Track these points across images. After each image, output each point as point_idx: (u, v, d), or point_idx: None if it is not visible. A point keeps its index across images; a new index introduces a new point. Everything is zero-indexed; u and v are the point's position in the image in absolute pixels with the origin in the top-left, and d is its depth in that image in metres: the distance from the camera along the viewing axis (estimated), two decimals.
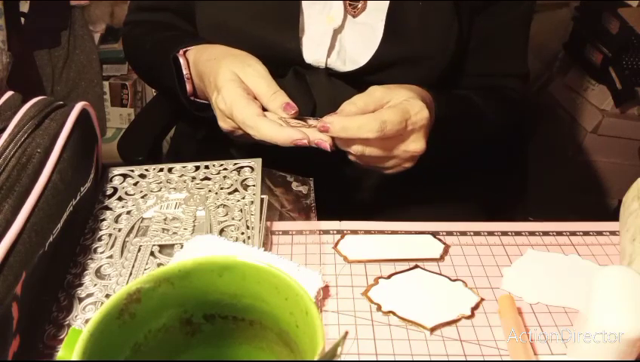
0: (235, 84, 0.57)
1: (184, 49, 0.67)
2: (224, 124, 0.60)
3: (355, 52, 0.70)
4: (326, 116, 0.57)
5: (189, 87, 0.67)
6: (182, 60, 0.66)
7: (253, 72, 0.59)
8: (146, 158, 0.86)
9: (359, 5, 0.69)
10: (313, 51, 0.69)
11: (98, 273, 0.49)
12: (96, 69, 1.76)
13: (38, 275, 0.42)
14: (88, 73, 1.75)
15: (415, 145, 0.59)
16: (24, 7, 1.59)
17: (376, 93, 0.58)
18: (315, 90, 0.70)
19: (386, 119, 0.55)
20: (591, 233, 0.58)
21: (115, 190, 0.58)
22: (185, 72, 0.66)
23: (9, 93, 0.52)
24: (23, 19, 1.59)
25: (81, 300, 0.47)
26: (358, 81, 0.70)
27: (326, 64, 0.69)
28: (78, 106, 0.52)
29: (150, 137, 0.92)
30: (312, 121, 0.58)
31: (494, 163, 1.09)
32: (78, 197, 0.50)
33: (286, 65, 0.70)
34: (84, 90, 1.75)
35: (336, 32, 0.69)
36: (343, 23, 0.69)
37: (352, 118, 0.56)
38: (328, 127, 0.55)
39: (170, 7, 0.78)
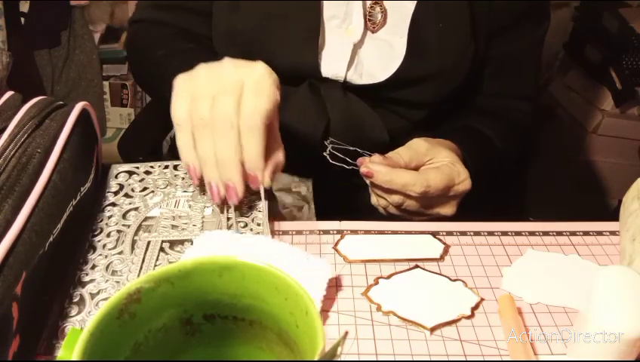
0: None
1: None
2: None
3: (372, 67, 0.70)
4: (373, 158, 0.57)
5: None
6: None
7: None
8: (146, 159, 0.85)
9: (378, 21, 0.69)
10: (332, 65, 0.69)
11: (109, 269, 0.50)
12: (96, 69, 1.77)
13: (38, 275, 0.42)
14: (88, 73, 1.75)
15: (448, 209, 0.62)
16: (24, 7, 1.59)
17: (420, 149, 0.59)
18: (329, 103, 0.70)
19: (432, 184, 0.57)
20: (591, 233, 0.58)
21: (122, 187, 0.59)
22: None
23: (9, 93, 0.52)
24: (23, 19, 1.59)
25: (93, 296, 0.47)
26: (373, 96, 0.70)
27: (345, 78, 0.70)
28: (79, 106, 0.52)
29: (150, 137, 0.92)
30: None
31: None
32: (78, 198, 0.50)
33: (301, 78, 0.70)
34: (84, 90, 1.76)
35: (356, 46, 0.69)
36: (362, 38, 0.69)
37: (398, 173, 0.57)
38: (373, 174, 0.56)
39: (189, 8, 0.75)
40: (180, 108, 0.51)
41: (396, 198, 0.59)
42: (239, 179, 0.49)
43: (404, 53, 0.68)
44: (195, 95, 0.50)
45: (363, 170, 0.57)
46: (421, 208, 0.60)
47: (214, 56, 0.62)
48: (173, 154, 0.92)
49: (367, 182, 0.60)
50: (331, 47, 0.69)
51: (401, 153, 0.59)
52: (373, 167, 0.56)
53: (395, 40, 0.69)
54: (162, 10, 0.77)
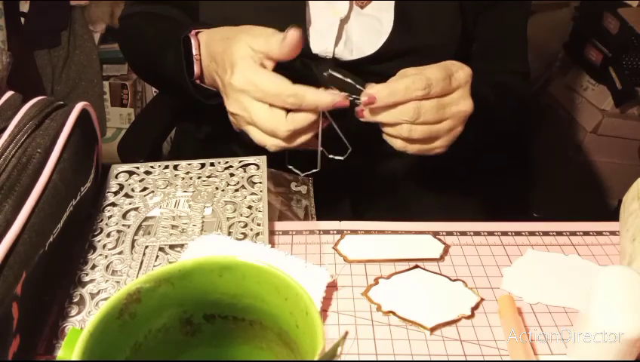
0: (252, 60, 0.53)
1: (196, 30, 0.63)
2: (235, 107, 0.55)
3: (361, 42, 0.70)
4: (368, 86, 0.54)
5: (196, 68, 0.62)
6: (193, 41, 0.61)
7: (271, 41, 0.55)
8: (146, 160, 0.86)
9: None
10: (320, 41, 0.69)
11: (109, 269, 0.50)
12: (96, 69, 1.77)
13: (38, 275, 0.42)
14: (88, 73, 1.75)
15: (464, 102, 0.56)
16: (24, 7, 1.59)
17: (408, 72, 0.56)
18: (321, 80, 0.71)
19: (430, 76, 0.53)
20: (591, 233, 0.58)
21: (122, 187, 0.59)
22: (195, 52, 0.61)
23: (9, 93, 0.52)
24: (23, 19, 1.59)
25: (93, 296, 0.47)
26: (363, 70, 0.70)
27: (333, 54, 0.70)
28: (79, 106, 0.52)
29: (150, 139, 0.92)
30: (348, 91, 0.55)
31: (497, 160, 1.09)
32: (78, 198, 0.50)
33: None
34: (84, 90, 1.76)
35: (343, 22, 0.70)
36: (349, 14, 0.70)
37: (396, 81, 0.54)
38: (375, 97, 0.52)
39: (172, 2, 0.76)
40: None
41: (405, 127, 0.55)
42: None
43: (392, 27, 0.69)
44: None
45: (363, 98, 0.53)
46: (437, 117, 0.55)
47: (209, 25, 0.63)
48: (175, 155, 0.92)
49: (373, 119, 0.55)
50: (318, 24, 0.69)
51: (389, 81, 0.56)
52: (371, 90, 0.53)
53: (383, 15, 0.70)
54: (149, 3, 0.78)
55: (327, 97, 0.52)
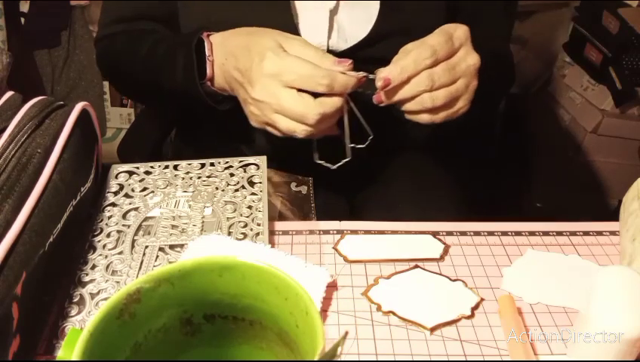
0: (281, 50, 0.55)
1: (207, 32, 0.64)
2: (263, 93, 0.55)
3: (352, 29, 0.70)
4: (377, 72, 0.56)
5: (209, 70, 0.62)
6: (206, 42, 0.62)
7: (296, 39, 0.57)
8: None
9: None
10: (313, 35, 0.69)
11: (109, 269, 0.50)
12: (96, 69, 1.76)
13: (38, 275, 0.42)
14: (88, 73, 1.75)
15: (471, 57, 0.58)
16: (24, 7, 1.59)
17: (409, 47, 0.57)
18: None
19: (432, 43, 0.55)
20: (591, 233, 0.58)
21: (122, 187, 0.59)
22: (207, 53, 0.62)
23: (9, 93, 0.52)
24: (23, 19, 1.59)
25: (93, 296, 0.47)
26: (358, 57, 0.70)
27: (328, 46, 0.70)
28: (79, 106, 0.52)
29: (150, 141, 0.92)
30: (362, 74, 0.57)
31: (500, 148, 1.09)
32: (78, 198, 0.50)
33: None
34: (84, 90, 1.75)
35: (332, 12, 0.70)
36: (337, 4, 0.70)
37: (403, 58, 0.55)
38: (389, 78, 0.54)
39: (150, 15, 0.76)
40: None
41: (427, 97, 0.56)
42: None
43: (378, 9, 0.69)
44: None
45: (379, 83, 0.55)
46: (451, 78, 0.57)
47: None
48: (175, 157, 0.92)
49: (392, 100, 0.57)
50: (307, 18, 0.69)
51: (395, 58, 0.58)
52: (383, 73, 0.55)
53: (369, 3, 0.70)
54: (125, 22, 0.77)
55: (353, 77, 0.54)
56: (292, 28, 0.68)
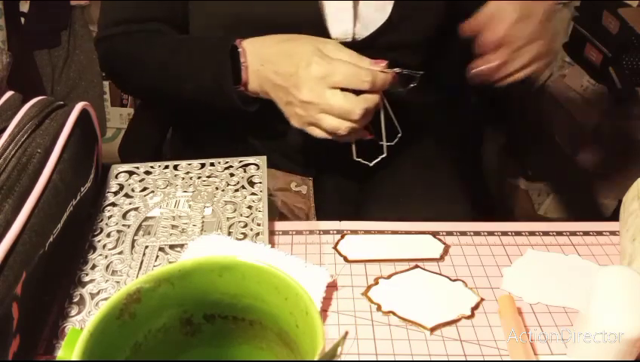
0: (323, 54, 0.59)
1: (239, 39, 0.66)
2: (311, 95, 0.59)
3: (372, 16, 0.72)
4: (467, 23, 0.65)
5: (244, 75, 0.65)
6: (240, 49, 0.65)
7: (330, 43, 0.62)
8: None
9: None
10: (339, 25, 0.70)
11: (109, 269, 0.50)
12: (96, 69, 1.76)
13: (38, 275, 0.42)
14: (88, 73, 1.75)
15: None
16: (24, 7, 1.59)
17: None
18: None
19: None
20: (591, 233, 0.58)
21: (122, 187, 0.59)
22: (242, 59, 0.65)
23: (9, 93, 0.52)
24: (23, 19, 1.59)
25: (93, 296, 0.47)
26: (377, 44, 0.72)
27: (353, 35, 0.71)
28: (79, 106, 0.52)
29: (151, 141, 0.92)
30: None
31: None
32: (78, 198, 0.50)
33: None
34: (84, 90, 1.75)
35: (356, 2, 0.71)
36: None
37: (480, 13, 0.64)
38: (489, 35, 0.64)
39: (156, 16, 0.75)
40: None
41: (520, 27, 0.63)
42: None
43: None
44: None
45: (486, 43, 0.64)
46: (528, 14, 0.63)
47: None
48: (174, 153, 0.92)
49: (500, 57, 0.64)
50: (333, 8, 0.70)
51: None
52: (472, 25, 0.64)
53: None
54: (133, 22, 0.76)
55: (389, 74, 0.59)
56: (318, 18, 0.69)
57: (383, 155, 0.65)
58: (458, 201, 0.81)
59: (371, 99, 0.59)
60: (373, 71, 0.58)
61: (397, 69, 0.60)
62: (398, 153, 0.86)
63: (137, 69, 0.76)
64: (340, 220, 0.59)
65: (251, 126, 0.78)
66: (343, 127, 0.59)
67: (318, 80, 0.58)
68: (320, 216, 0.77)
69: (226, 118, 0.75)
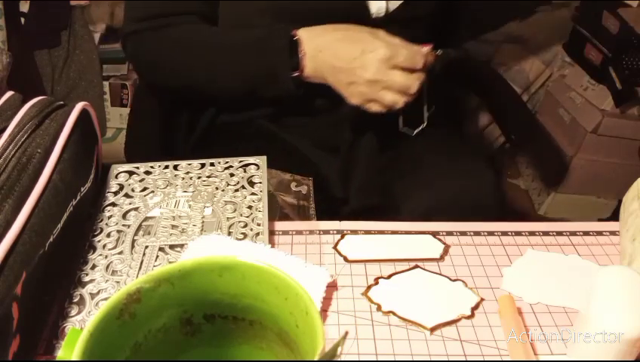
0: (382, 38, 0.70)
1: (295, 29, 0.72)
2: (378, 74, 0.68)
3: None
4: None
5: (302, 62, 0.72)
6: (297, 38, 0.71)
7: (380, 31, 0.71)
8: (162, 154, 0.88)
9: None
10: (376, 3, 0.76)
11: (109, 269, 0.50)
12: (96, 69, 1.76)
13: (38, 275, 0.42)
14: (88, 73, 1.75)
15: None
16: (24, 7, 1.59)
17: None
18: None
19: None
20: (591, 233, 0.58)
21: (122, 187, 0.59)
22: (300, 47, 0.71)
23: (9, 93, 0.52)
24: (23, 19, 1.59)
25: (93, 296, 0.47)
26: (400, 17, 0.78)
27: (387, 9, 0.77)
28: (79, 106, 0.52)
29: (155, 136, 0.91)
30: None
31: None
32: (78, 198, 0.50)
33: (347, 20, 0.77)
34: (84, 90, 1.75)
35: None
36: None
37: None
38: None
39: (190, 10, 0.77)
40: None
41: None
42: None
43: None
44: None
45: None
46: None
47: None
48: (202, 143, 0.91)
49: None
50: None
51: None
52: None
53: None
54: (168, 16, 0.77)
55: (433, 55, 0.72)
56: None
57: (424, 124, 0.77)
58: (459, 200, 0.80)
59: (422, 76, 0.70)
60: (423, 52, 0.70)
61: (439, 50, 0.72)
62: (397, 148, 0.87)
63: (176, 63, 0.78)
64: (340, 220, 0.59)
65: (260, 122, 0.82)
66: (401, 101, 0.70)
67: (383, 61, 0.68)
68: (320, 216, 0.77)
69: (262, 105, 0.81)
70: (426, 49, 0.71)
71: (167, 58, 0.79)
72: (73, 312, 0.46)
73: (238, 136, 0.84)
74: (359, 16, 0.75)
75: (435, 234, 0.57)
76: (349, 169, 0.83)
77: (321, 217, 0.72)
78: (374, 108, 0.72)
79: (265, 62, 0.73)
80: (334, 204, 0.81)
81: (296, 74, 0.72)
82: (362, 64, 0.69)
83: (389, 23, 0.75)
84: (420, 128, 0.77)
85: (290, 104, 0.78)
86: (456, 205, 0.74)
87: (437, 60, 0.73)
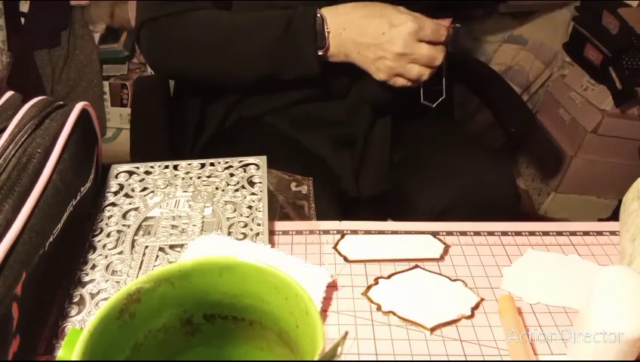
0: (406, 13, 0.72)
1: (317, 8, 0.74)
2: (406, 48, 0.71)
3: None
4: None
5: (327, 41, 0.74)
6: (321, 16, 0.73)
7: (400, 7, 0.73)
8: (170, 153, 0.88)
9: None
10: None
11: (109, 269, 0.50)
12: (96, 69, 1.76)
13: (38, 275, 0.42)
14: (88, 73, 1.75)
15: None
16: (24, 7, 1.59)
17: None
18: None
19: None
20: (591, 233, 0.58)
21: (122, 187, 0.59)
22: (326, 26, 0.73)
23: (9, 93, 0.52)
24: (23, 19, 1.59)
25: (93, 296, 0.47)
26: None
27: None
28: (79, 106, 0.52)
29: (159, 136, 0.91)
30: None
31: None
32: (78, 198, 0.50)
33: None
34: (84, 90, 1.75)
35: None
36: None
37: None
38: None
39: None
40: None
41: None
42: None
43: None
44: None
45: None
46: None
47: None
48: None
49: None
50: None
51: None
52: None
53: None
54: (176, 1, 0.77)
55: (451, 28, 0.74)
56: None
57: (443, 97, 0.79)
58: (459, 201, 0.80)
59: (445, 49, 0.73)
60: (445, 26, 0.72)
61: (457, 24, 0.75)
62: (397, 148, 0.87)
63: (199, 47, 0.78)
64: (340, 220, 0.59)
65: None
66: (426, 73, 0.73)
67: (411, 35, 0.70)
68: (320, 216, 0.77)
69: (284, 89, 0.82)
70: (446, 22, 0.73)
71: (189, 42, 0.78)
72: (73, 312, 0.46)
73: (248, 138, 0.84)
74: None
75: (435, 234, 0.57)
76: (362, 164, 0.84)
77: (321, 217, 0.72)
78: (400, 82, 0.74)
79: (290, 41, 0.74)
80: (346, 202, 0.81)
81: (321, 53, 0.74)
82: (390, 38, 0.71)
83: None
84: (440, 100, 0.79)
85: (302, 88, 0.80)
86: (474, 203, 0.74)
87: (454, 33, 0.76)
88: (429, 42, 0.72)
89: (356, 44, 0.73)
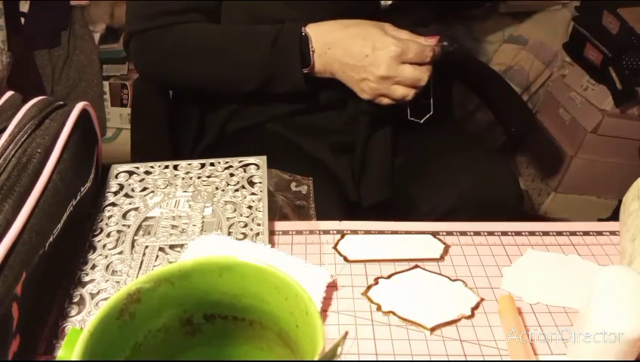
0: (391, 35, 0.72)
1: (302, 26, 0.73)
2: (389, 70, 0.70)
3: None
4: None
5: (312, 59, 0.74)
6: (305, 35, 0.73)
7: (388, 25, 0.73)
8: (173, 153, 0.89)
9: None
10: None
11: (109, 269, 0.50)
12: (96, 69, 1.76)
13: (38, 275, 0.42)
14: (88, 73, 1.75)
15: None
16: (24, 7, 1.59)
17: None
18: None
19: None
20: (591, 233, 0.58)
21: (122, 187, 0.59)
22: (310, 45, 0.73)
23: (9, 93, 0.52)
24: (23, 19, 1.59)
25: (93, 296, 0.47)
26: (400, 7, 0.79)
27: None
28: (79, 106, 0.52)
29: (160, 137, 0.91)
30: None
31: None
32: (78, 198, 0.50)
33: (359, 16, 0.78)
34: (84, 90, 1.75)
35: None
36: None
37: None
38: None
39: (194, 7, 0.77)
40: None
41: None
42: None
43: None
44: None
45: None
46: None
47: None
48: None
49: None
50: None
51: None
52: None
53: None
54: (173, 14, 0.77)
55: (438, 47, 0.73)
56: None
57: (430, 113, 0.79)
58: (458, 201, 0.80)
59: (430, 69, 0.73)
60: (431, 46, 0.72)
61: (445, 43, 0.74)
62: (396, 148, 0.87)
63: (187, 60, 0.78)
64: (340, 220, 0.59)
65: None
66: (410, 93, 0.73)
67: (394, 58, 0.70)
68: (320, 216, 0.77)
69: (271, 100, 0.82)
70: (433, 41, 0.73)
71: (178, 54, 0.79)
72: (73, 312, 0.46)
73: (249, 142, 0.84)
74: (371, 10, 0.77)
75: (435, 234, 0.57)
76: (363, 171, 0.84)
77: (321, 217, 0.72)
78: (385, 101, 0.74)
79: (277, 57, 0.74)
80: (348, 207, 0.81)
81: (307, 70, 0.74)
82: (373, 61, 0.70)
83: (396, 8, 0.76)
84: (427, 116, 0.80)
85: (299, 99, 0.79)
86: (479, 204, 0.74)
87: (443, 51, 0.75)
88: (415, 63, 0.72)
89: (341, 64, 0.73)
